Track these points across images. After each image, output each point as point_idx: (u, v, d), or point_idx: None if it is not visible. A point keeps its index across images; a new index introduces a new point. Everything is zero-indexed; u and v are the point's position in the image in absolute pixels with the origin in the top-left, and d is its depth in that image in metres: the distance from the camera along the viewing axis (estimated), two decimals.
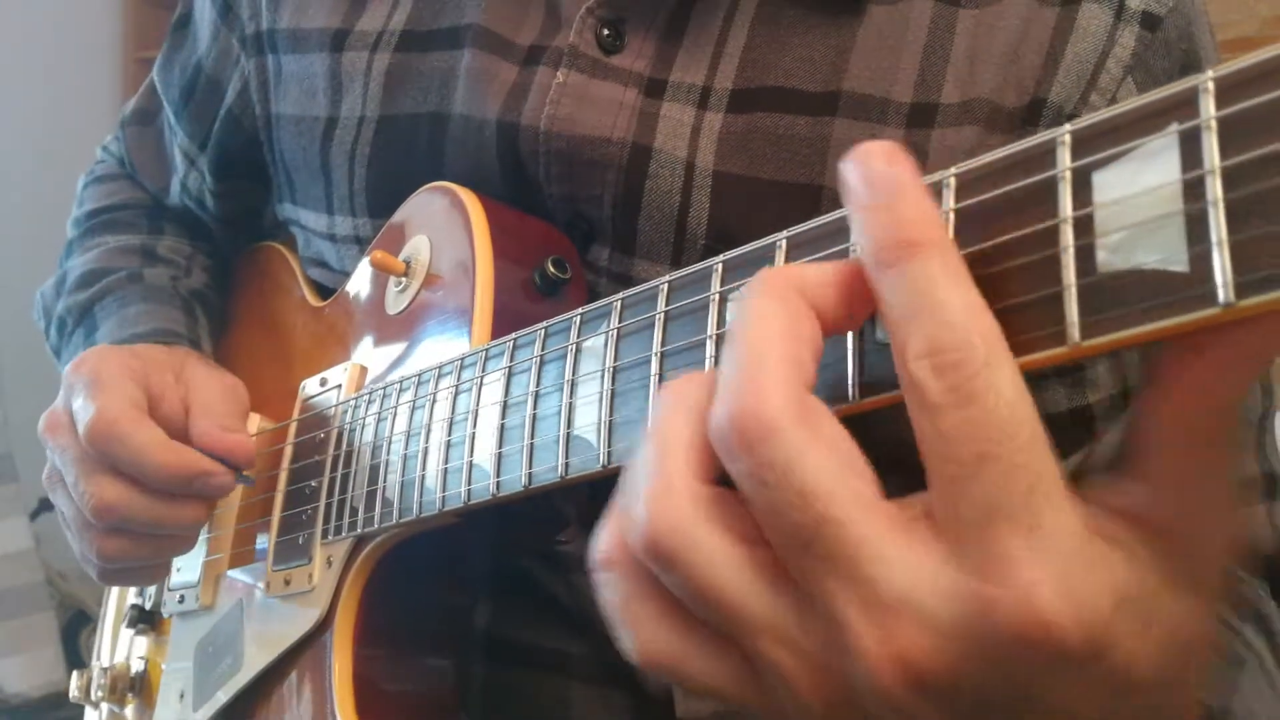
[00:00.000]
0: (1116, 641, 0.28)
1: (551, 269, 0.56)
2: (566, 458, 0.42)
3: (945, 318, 0.28)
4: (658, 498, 0.31)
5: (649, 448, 0.32)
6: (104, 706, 0.79)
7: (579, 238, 0.60)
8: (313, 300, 0.73)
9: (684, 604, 0.32)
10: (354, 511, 0.56)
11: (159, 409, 0.63)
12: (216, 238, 0.87)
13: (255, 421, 0.71)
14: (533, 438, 0.44)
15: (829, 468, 0.29)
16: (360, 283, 0.66)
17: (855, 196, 0.30)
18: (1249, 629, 0.57)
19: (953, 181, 0.31)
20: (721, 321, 0.37)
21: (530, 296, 0.56)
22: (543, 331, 0.46)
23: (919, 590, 0.28)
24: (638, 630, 0.33)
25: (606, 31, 0.59)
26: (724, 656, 0.32)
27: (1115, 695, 0.29)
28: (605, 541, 0.34)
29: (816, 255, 0.34)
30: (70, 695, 0.79)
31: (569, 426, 0.42)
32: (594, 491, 0.58)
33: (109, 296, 0.77)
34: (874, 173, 0.30)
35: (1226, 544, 0.31)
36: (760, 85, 0.57)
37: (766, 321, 0.31)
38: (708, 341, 0.37)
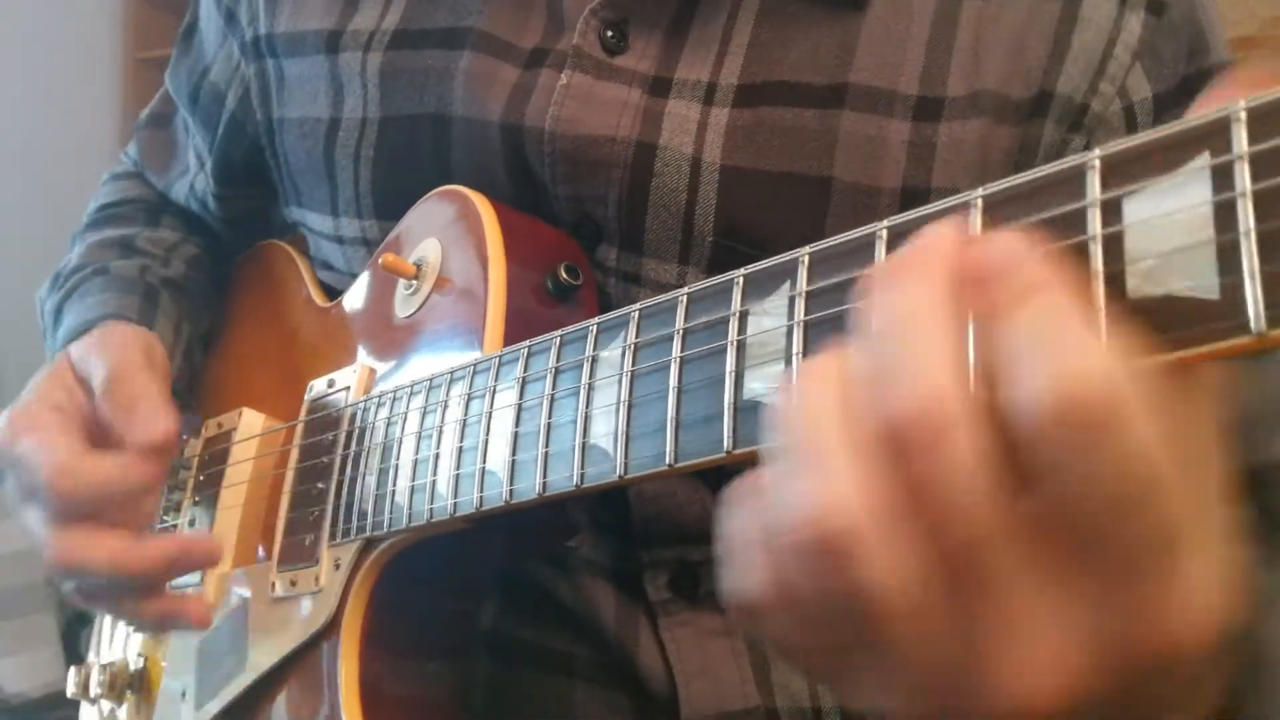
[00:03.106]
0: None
1: (564, 275, 0.56)
2: (583, 467, 0.42)
3: (1075, 361, 0.25)
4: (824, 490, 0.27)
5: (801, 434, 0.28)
6: (102, 703, 0.79)
7: (586, 238, 0.60)
8: (319, 300, 0.73)
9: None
10: (363, 515, 0.56)
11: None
12: (223, 238, 0.87)
13: (260, 420, 0.71)
14: (547, 446, 0.44)
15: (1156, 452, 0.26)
16: (368, 284, 0.66)
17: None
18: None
19: (979, 203, 0.31)
20: (742, 334, 0.37)
21: (542, 302, 0.56)
22: (558, 340, 0.46)
23: (1066, 636, 0.27)
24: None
25: (610, 33, 0.59)
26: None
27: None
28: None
29: (841, 277, 0.34)
30: (68, 692, 0.79)
31: (585, 436, 0.42)
32: (605, 499, 0.59)
33: (75, 292, 0.77)
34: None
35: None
36: (766, 80, 0.57)
37: (1058, 302, 0.26)
38: (728, 356, 0.37)
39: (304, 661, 0.60)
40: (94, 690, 0.78)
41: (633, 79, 0.59)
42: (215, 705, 0.66)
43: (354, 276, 0.68)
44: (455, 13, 0.64)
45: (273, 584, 0.62)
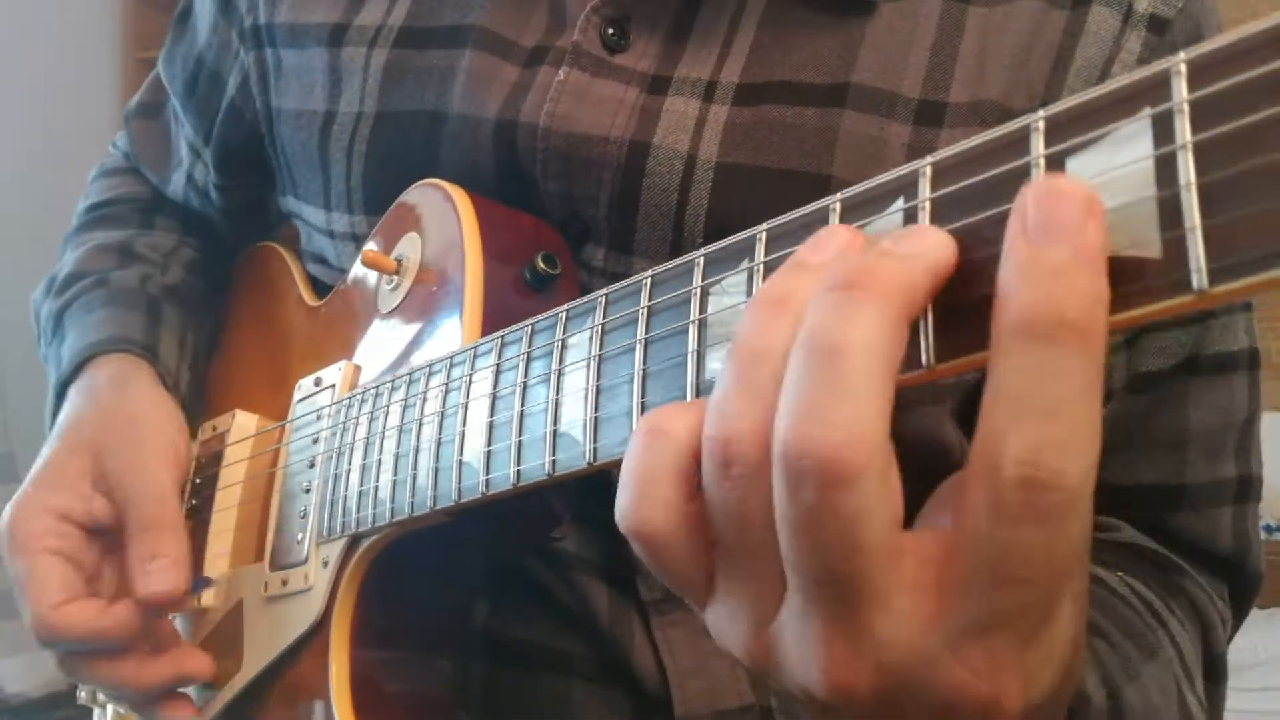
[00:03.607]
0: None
1: (541, 265, 0.56)
2: (554, 455, 0.42)
3: (1064, 433, 0.25)
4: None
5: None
6: (109, 708, 0.79)
7: (574, 236, 0.59)
8: (309, 300, 0.73)
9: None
10: (347, 511, 0.56)
11: (88, 552, 0.64)
12: (221, 230, 0.87)
13: (253, 421, 0.71)
14: (520, 435, 0.44)
15: (887, 523, 0.28)
16: (354, 281, 0.66)
17: (1034, 233, 0.25)
18: (1177, 620, 0.57)
19: (928, 170, 0.30)
20: (703, 312, 0.36)
21: (521, 292, 0.56)
22: (530, 328, 0.45)
23: (898, 643, 0.28)
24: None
25: (611, 30, 0.58)
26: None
27: None
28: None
29: (797, 248, 0.34)
30: (78, 698, 0.80)
31: (555, 423, 0.42)
32: (585, 488, 0.58)
33: (76, 303, 0.77)
34: (1066, 221, 0.25)
35: None
36: (768, 80, 0.57)
37: (879, 337, 0.27)
38: (690, 335, 0.37)
39: (297, 660, 0.60)
40: (101, 696, 0.78)
41: (631, 78, 0.58)
42: (215, 706, 0.66)
43: (343, 272, 0.68)
44: (460, 9, 0.64)
45: (266, 584, 0.62)
